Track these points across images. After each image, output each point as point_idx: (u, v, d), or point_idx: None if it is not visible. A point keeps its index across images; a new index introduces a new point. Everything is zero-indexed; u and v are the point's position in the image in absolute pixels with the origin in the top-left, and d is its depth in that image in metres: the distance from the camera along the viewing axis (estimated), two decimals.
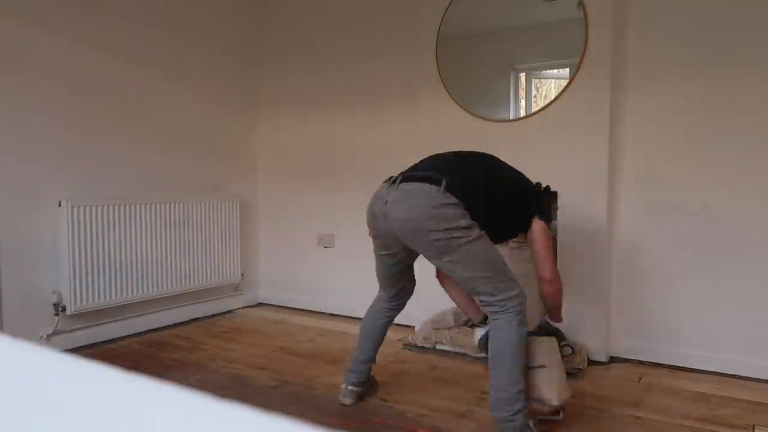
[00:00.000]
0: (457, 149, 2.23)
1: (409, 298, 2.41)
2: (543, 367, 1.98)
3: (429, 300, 3.35)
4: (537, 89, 3.21)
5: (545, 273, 2.04)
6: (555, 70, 3.16)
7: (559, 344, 2.10)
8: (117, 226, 3.18)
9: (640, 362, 2.86)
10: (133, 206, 3.25)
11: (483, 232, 1.92)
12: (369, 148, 3.75)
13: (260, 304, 4.22)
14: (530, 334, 2.05)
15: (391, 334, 3.39)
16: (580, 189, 2.90)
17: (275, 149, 4.18)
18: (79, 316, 3.06)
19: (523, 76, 3.17)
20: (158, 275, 3.40)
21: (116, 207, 3.17)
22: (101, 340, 3.19)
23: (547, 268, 2.04)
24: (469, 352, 2.89)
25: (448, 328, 3.13)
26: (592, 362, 2.83)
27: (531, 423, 1.92)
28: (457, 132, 3.22)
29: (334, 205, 3.91)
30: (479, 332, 2.21)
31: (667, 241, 2.82)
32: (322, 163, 3.97)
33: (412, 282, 2.36)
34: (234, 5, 4.04)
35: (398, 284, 2.32)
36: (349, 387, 2.33)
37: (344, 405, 2.30)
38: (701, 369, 2.72)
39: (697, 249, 2.75)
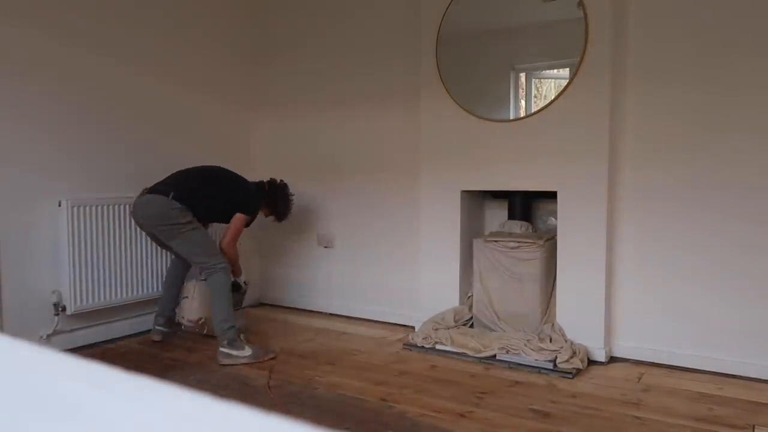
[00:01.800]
0: (213, 165, 3.27)
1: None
2: (186, 297, 3.18)
3: (429, 300, 3.35)
4: (537, 89, 3.21)
5: (222, 244, 3.10)
6: (555, 70, 3.16)
7: (233, 288, 3.11)
8: (117, 226, 3.18)
9: (640, 362, 2.86)
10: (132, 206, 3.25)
11: (199, 224, 2.94)
12: (369, 148, 3.75)
13: (260, 304, 4.22)
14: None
15: (391, 334, 3.40)
16: (580, 189, 2.90)
17: (275, 149, 4.18)
18: (79, 316, 3.06)
19: (523, 76, 3.17)
20: (158, 275, 3.40)
21: (116, 207, 3.17)
22: (101, 340, 3.19)
23: (225, 242, 3.10)
24: (469, 352, 2.90)
25: (448, 328, 3.13)
26: (592, 362, 2.83)
27: (241, 336, 3.02)
28: (457, 132, 3.22)
29: (334, 206, 3.91)
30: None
31: (668, 240, 2.82)
32: (321, 163, 3.97)
33: None
34: (234, 5, 4.04)
35: (173, 252, 3.16)
36: (157, 327, 3.20)
37: (155, 341, 3.18)
38: (701, 369, 2.73)
39: (698, 249, 2.75)
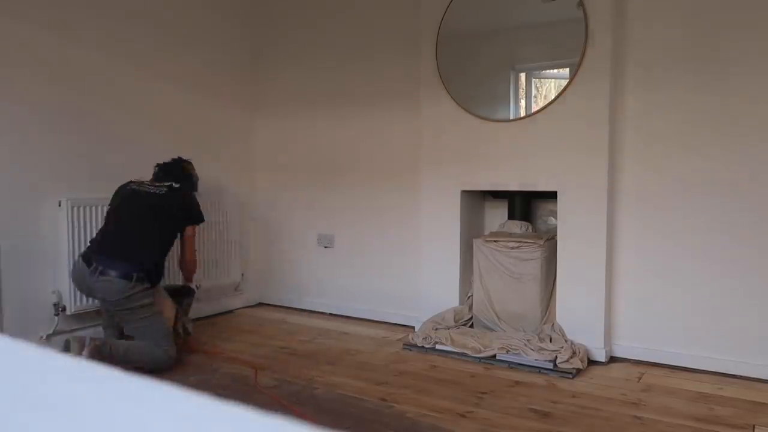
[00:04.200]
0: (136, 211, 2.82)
1: None
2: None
3: (429, 300, 3.35)
4: (537, 89, 3.21)
5: (188, 262, 2.98)
6: (555, 70, 3.16)
7: (185, 292, 3.07)
8: None
9: (640, 362, 2.86)
10: None
11: (157, 309, 2.74)
12: (369, 148, 3.75)
13: (260, 304, 4.22)
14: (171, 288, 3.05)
15: (391, 334, 3.40)
16: (580, 189, 2.90)
17: (275, 149, 4.18)
18: (79, 316, 3.06)
19: (523, 76, 3.17)
20: None
21: None
22: None
23: (189, 259, 2.97)
24: (469, 352, 2.89)
25: (448, 328, 3.13)
26: (592, 362, 2.83)
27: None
28: (457, 132, 3.22)
29: (334, 205, 3.91)
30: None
31: (668, 240, 2.82)
32: (321, 163, 3.97)
33: None
34: (234, 5, 4.04)
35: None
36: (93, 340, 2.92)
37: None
38: (701, 369, 2.73)
39: (698, 248, 2.75)
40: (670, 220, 2.81)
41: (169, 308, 2.89)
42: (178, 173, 2.97)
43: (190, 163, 3.07)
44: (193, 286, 3.17)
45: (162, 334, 2.72)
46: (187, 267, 3.01)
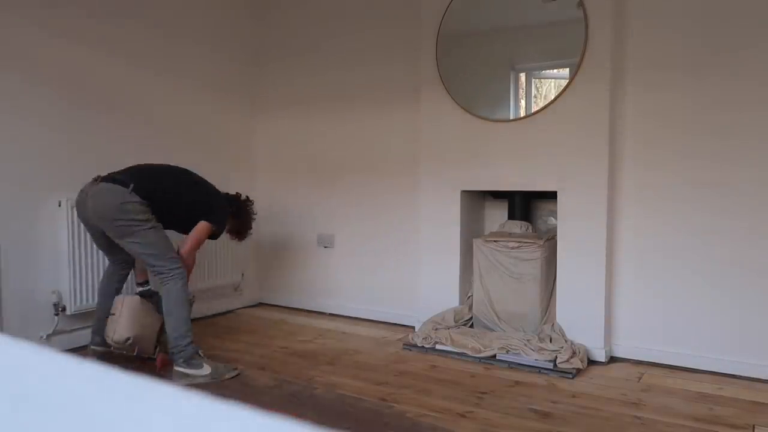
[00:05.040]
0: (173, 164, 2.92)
1: (130, 263, 2.89)
2: (113, 314, 2.71)
3: (429, 300, 3.35)
4: (537, 89, 3.21)
5: (181, 251, 2.70)
6: (555, 70, 3.16)
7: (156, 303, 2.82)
8: None
9: (640, 362, 2.86)
10: None
11: (158, 224, 2.60)
12: (369, 148, 3.75)
13: (260, 304, 4.22)
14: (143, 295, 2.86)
15: (391, 334, 3.40)
16: (580, 189, 2.90)
17: (275, 149, 4.18)
18: (79, 316, 3.06)
19: (523, 76, 3.17)
20: None
21: None
22: None
23: (184, 250, 2.71)
24: (469, 352, 2.89)
25: (448, 328, 3.13)
26: (592, 362, 2.83)
27: (199, 351, 2.69)
28: (457, 132, 3.22)
29: (334, 205, 3.91)
30: (138, 289, 2.91)
31: (668, 240, 2.82)
32: (322, 163, 3.97)
33: (127, 253, 2.76)
34: (235, 6, 4.04)
35: (116, 255, 2.80)
36: (93, 347, 2.80)
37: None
38: (701, 369, 2.73)
39: (698, 249, 2.75)
40: (670, 219, 2.81)
41: (155, 320, 2.77)
42: (232, 198, 3.02)
43: (239, 199, 3.05)
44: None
45: (164, 243, 2.60)
46: (182, 259, 2.83)
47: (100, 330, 2.77)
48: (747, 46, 2.62)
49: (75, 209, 2.68)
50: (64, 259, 2.95)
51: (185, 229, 2.76)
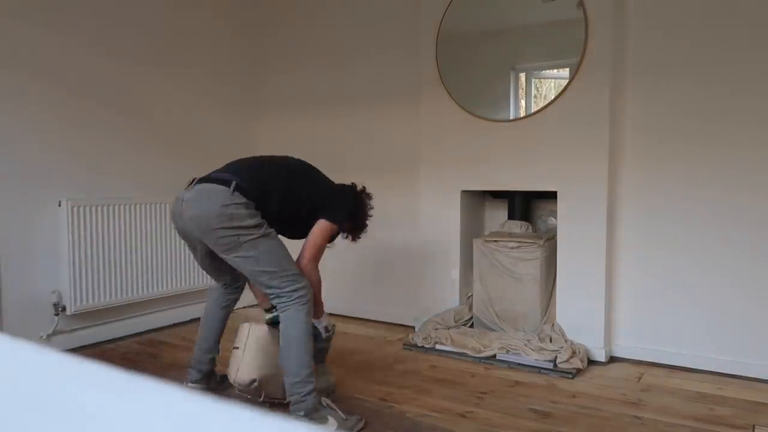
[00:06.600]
0: (288, 154, 2.38)
1: (240, 285, 2.45)
2: (236, 348, 2.20)
3: (429, 300, 3.35)
4: (537, 89, 3.21)
5: (301, 264, 2.16)
6: (555, 70, 3.16)
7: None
8: (117, 226, 3.18)
9: (640, 362, 2.86)
10: (133, 206, 3.26)
11: (271, 230, 2.06)
12: (369, 148, 3.75)
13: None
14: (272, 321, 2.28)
15: (390, 334, 3.40)
16: (580, 189, 2.89)
17: (275, 149, 4.17)
18: (79, 316, 3.06)
19: (523, 76, 3.17)
20: (158, 275, 3.40)
21: (116, 207, 3.17)
22: (101, 340, 3.19)
23: (305, 261, 2.18)
24: (469, 352, 2.89)
25: (448, 328, 3.13)
26: (592, 362, 2.83)
27: (325, 401, 2.13)
28: (457, 132, 3.22)
29: None
30: (267, 315, 2.34)
31: (668, 240, 2.82)
32: (321, 163, 3.95)
33: (237, 271, 2.30)
34: (234, 6, 4.04)
35: (224, 276, 2.37)
36: (191, 384, 2.33)
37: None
38: (701, 369, 2.72)
39: (698, 248, 2.75)
40: (670, 220, 2.81)
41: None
42: (348, 189, 2.42)
43: (355, 190, 2.43)
44: (321, 326, 2.39)
45: (282, 256, 2.06)
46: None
47: (199, 364, 2.34)
48: (748, 46, 2.62)
49: (172, 222, 2.22)
50: (64, 259, 2.95)
51: (300, 233, 2.23)
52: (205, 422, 0.30)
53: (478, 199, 3.43)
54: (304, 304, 2.06)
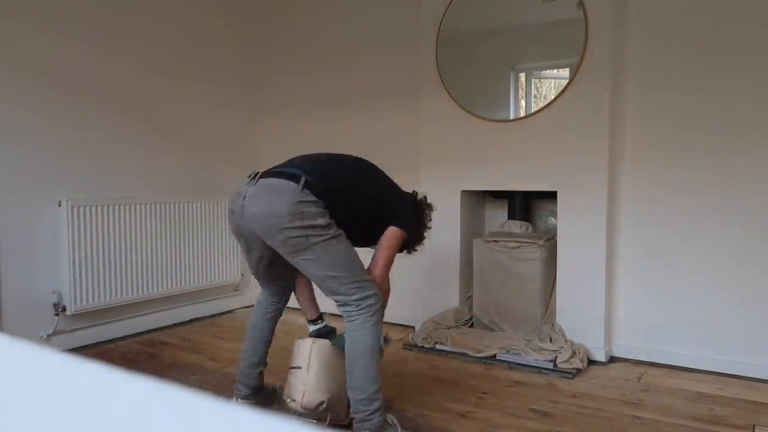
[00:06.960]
0: (355, 154, 2.19)
1: (289, 294, 2.34)
2: (298, 368, 2.03)
3: (429, 300, 3.35)
4: (537, 89, 3.21)
5: (374, 272, 2.02)
6: (555, 70, 3.16)
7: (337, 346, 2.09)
8: (117, 226, 3.18)
9: (640, 362, 2.86)
10: (133, 206, 3.26)
11: (341, 231, 1.90)
12: (369, 149, 3.73)
13: None
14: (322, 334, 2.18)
15: (390, 334, 3.40)
16: (580, 189, 2.89)
17: (275, 149, 4.17)
18: (79, 316, 3.06)
19: (523, 76, 3.17)
20: (158, 275, 3.40)
21: (116, 207, 3.17)
22: (101, 340, 3.19)
23: (378, 269, 2.03)
24: (469, 352, 2.89)
25: (448, 328, 3.13)
26: (592, 362, 2.83)
27: (390, 419, 1.99)
28: (457, 132, 3.22)
29: None
30: (312, 328, 2.26)
31: (668, 240, 2.82)
32: None
33: (293, 278, 2.25)
34: (235, 6, 4.04)
35: (276, 282, 2.24)
36: (240, 400, 2.19)
37: None
38: (701, 369, 2.72)
39: (698, 249, 2.75)
40: (670, 219, 2.81)
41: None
42: (410, 198, 2.20)
43: (417, 199, 2.23)
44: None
45: (354, 260, 1.92)
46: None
47: (248, 378, 2.22)
48: (748, 46, 2.62)
49: (229, 219, 2.03)
50: (64, 259, 2.95)
51: (364, 239, 2.07)
52: (205, 422, 0.30)
53: (478, 199, 3.43)
54: (372, 314, 1.90)
